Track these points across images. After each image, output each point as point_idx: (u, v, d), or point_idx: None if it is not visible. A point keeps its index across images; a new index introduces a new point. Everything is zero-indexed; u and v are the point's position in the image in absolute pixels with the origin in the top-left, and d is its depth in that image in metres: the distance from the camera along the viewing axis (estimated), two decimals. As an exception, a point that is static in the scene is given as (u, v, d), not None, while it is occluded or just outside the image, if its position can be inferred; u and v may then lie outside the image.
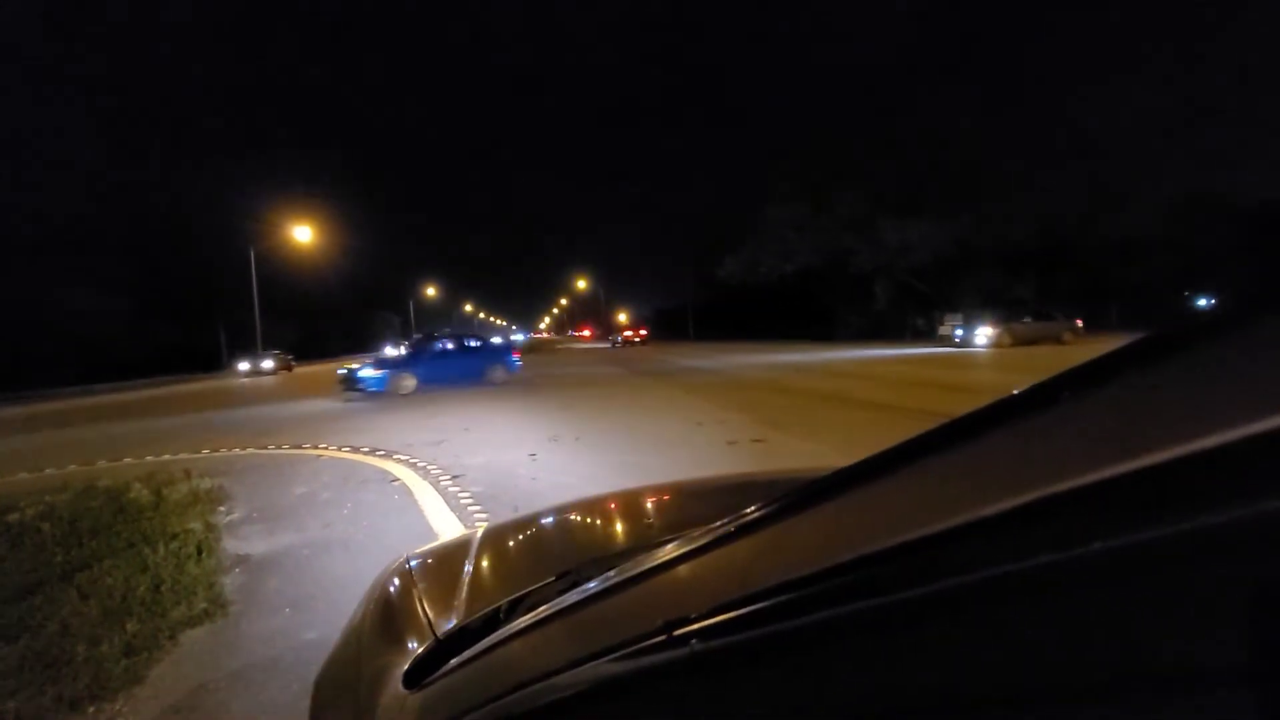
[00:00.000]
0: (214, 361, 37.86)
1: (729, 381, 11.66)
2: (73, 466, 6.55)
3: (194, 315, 40.20)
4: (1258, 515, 0.22)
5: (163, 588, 2.76)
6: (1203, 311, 0.29)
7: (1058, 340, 18.07)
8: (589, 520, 1.32)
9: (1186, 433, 0.24)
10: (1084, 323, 19.29)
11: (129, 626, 2.39)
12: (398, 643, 0.79)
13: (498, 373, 13.96)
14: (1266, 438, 0.22)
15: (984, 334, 18.30)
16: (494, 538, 1.18)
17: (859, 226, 29.06)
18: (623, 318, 65.29)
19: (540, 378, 15.24)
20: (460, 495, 4.25)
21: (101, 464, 6.58)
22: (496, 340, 17.96)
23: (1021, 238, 26.90)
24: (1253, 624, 0.23)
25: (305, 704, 0.86)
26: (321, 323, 50.79)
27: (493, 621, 0.73)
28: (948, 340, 19.87)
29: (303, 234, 32.13)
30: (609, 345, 39.82)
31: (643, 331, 42.29)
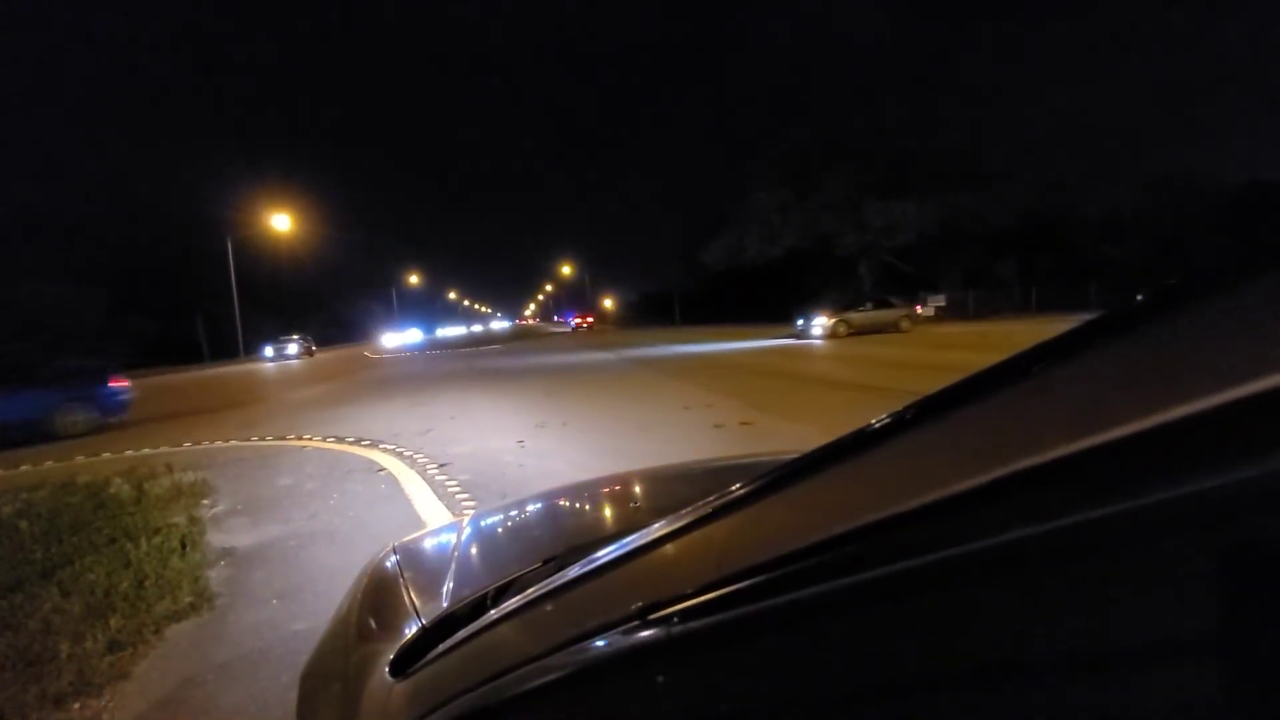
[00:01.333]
0: (194, 354, 37.24)
1: (714, 365, 11.70)
2: (50, 463, 6.43)
3: (172, 307, 39.39)
4: (1226, 486, 0.22)
5: (146, 583, 2.73)
6: (1167, 286, 0.29)
7: (896, 328, 17.84)
8: (575, 506, 1.32)
9: (1152, 406, 0.24)
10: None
11: (112, 622, 2.36)
12: (384, 631, 0.78)
13: (74, 417, 8.35)
14: (1232, 408, 0.22)
15: (819, 324, 17.64)
16: (480, 525, 1.17)
17: (843, 208, 29.12)
18: (609, 303, 65.80)
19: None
20: (448, 484, 4.23)
21: (80, 459, 6.47)
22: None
23: (1004, 218, 27.10)
24: (1222, 594, 0.23)
25: (294, 695, 0.86)
26: (304, 313, 50.08)
27: (479, 608, 0.73)
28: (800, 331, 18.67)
29: (282, 223, 31.61)
30: (570, 330, 48.06)
31: (589, 319, 50.73)
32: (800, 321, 18.51)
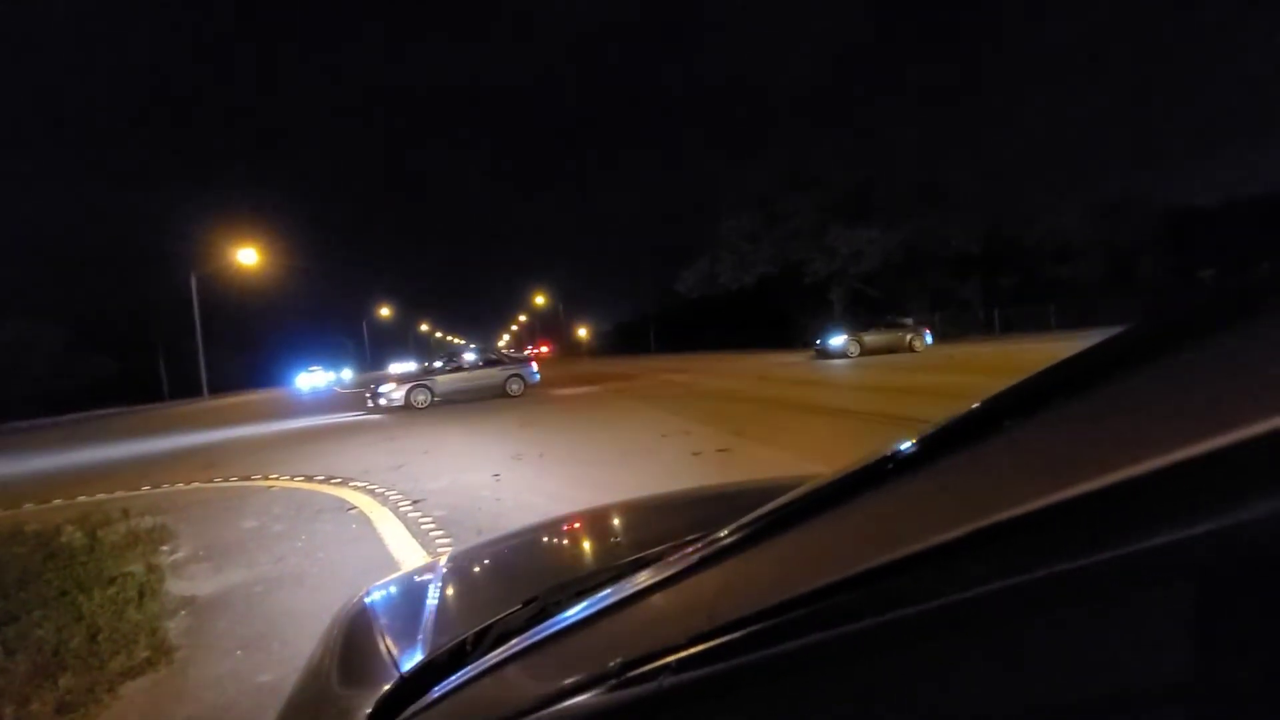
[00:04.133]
0: (155, 393, 36.04)
1: (690, 393, 11.74)
2: (-4, 511, 6.10)
3: (132, 345, 38.16)
4: (1187, 539, 0.22)
5: (100, 637, 2.58)
6: (1134, 332, 0.30)
7: (503, 391, 14.13)
8: (553, 542, 1.30)
9: (1114, 462, 0.25)
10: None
11: (62, 682, 2.22)
12: (360, 682, 0.76)
13: None
14: (1188, 464, 0.23)
15: (387, 395, 13.15)
16: (456, 566, 1.15)
17: (810, 235, 29.83)
18: (583, 332, 66.28)
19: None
20: (422, 521, 4.12)
21: (28, 507, 6.14)
22: None
23: (965, 241, 28.06)
24: (1196, 644, 0.23)
25: None
26: (273, 349, 48.96)
27: (458, 655, 0.71)
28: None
29: (248, 257, 31.02)
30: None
31: (541, 349, 56.77)
32: (368, 394, 14.00)
